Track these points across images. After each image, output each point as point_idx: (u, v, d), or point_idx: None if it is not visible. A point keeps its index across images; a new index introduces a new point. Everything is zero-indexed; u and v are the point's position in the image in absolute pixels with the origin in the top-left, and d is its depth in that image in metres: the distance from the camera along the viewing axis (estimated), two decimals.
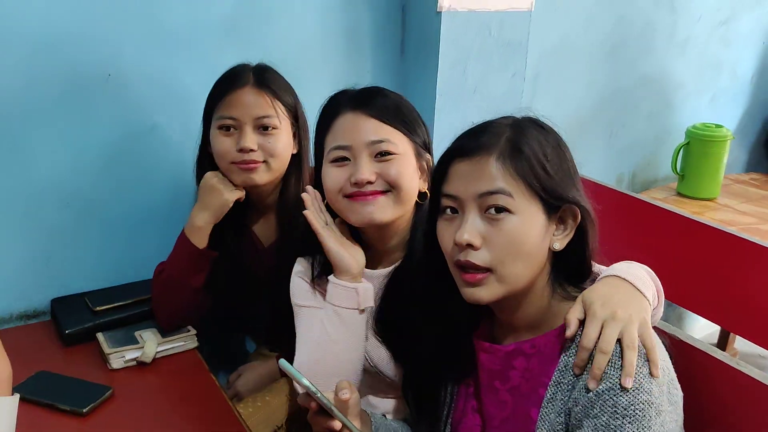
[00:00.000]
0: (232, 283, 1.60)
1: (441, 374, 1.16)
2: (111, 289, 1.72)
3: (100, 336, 1.54)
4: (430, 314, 1.14)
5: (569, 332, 0.95)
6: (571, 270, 1.03)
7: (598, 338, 0.92)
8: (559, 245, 0.99)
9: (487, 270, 0.97)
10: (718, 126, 2.63)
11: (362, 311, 1.27)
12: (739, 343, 2.84)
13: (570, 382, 0.95)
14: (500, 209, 0.95)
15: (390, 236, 1.31)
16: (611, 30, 2.51)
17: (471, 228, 0.96)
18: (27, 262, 1.65)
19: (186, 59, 1.70)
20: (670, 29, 2.70)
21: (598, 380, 0.91)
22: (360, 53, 1.96)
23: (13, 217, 1.60)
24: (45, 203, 1.63)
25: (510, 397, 1.04)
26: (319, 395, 0.98)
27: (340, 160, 1.25)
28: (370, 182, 1.23)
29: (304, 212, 1.28)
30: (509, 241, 0.95)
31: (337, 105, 1.29)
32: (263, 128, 1.48)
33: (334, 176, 1.26)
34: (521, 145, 0.97)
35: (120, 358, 1.49)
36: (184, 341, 1.57)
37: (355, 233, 1.33)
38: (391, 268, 1.31)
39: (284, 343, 1.67)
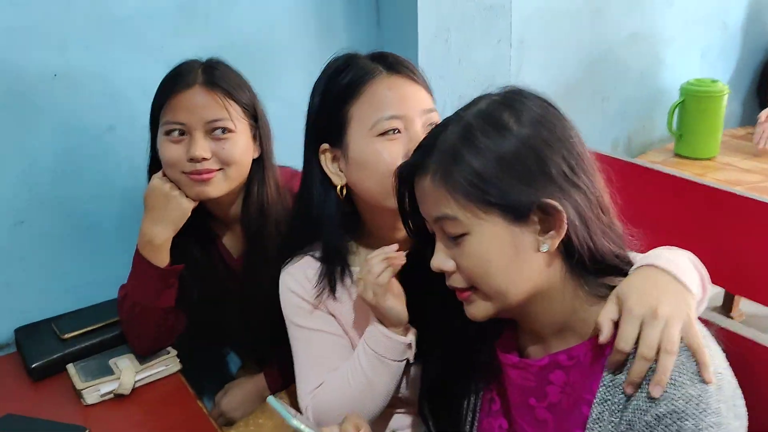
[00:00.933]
0: (205, 298, 1.46)
1: (459, 384, 1.04)
2: (79, 312, 1.58)
3: (70, 368, 1.39)
4: (441, 318, 1.03)
5: (602, 337, 0.83)
6: (586, 264, 0.89)
7: (638, 340, 0.81)
8: (548, 246, 0.86)
9: (470, 288, 0.90)
10: (714, 81, 2.51)
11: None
12: (744, 304, 2.75)
13: (620, 402, 0.83)
14: (454, 234, 0.87)
15: None
16: None
17: (439, 255, 0.91)
18: None
19: (139, 49, 1.57)
20: None
21: (636, 387, 0.82)
22: (333, 29, 1.85)
23: None
24: None
25: (550, 414, 0.92)
26: None
27: (391, 132, 1.09)
28: None
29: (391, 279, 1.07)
30: (473, 262, 0.88)
31: (363, 66, 1.11)
32: (217, 132, 1.31)
33: (390, 152, 1.08)
34: (455, 160, 0.85)
35: (95, 392, 1.34)
36: (165, 365, 1.42)
37: (358, 218, 1.18)
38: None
39: (272, 357, 1.54)
